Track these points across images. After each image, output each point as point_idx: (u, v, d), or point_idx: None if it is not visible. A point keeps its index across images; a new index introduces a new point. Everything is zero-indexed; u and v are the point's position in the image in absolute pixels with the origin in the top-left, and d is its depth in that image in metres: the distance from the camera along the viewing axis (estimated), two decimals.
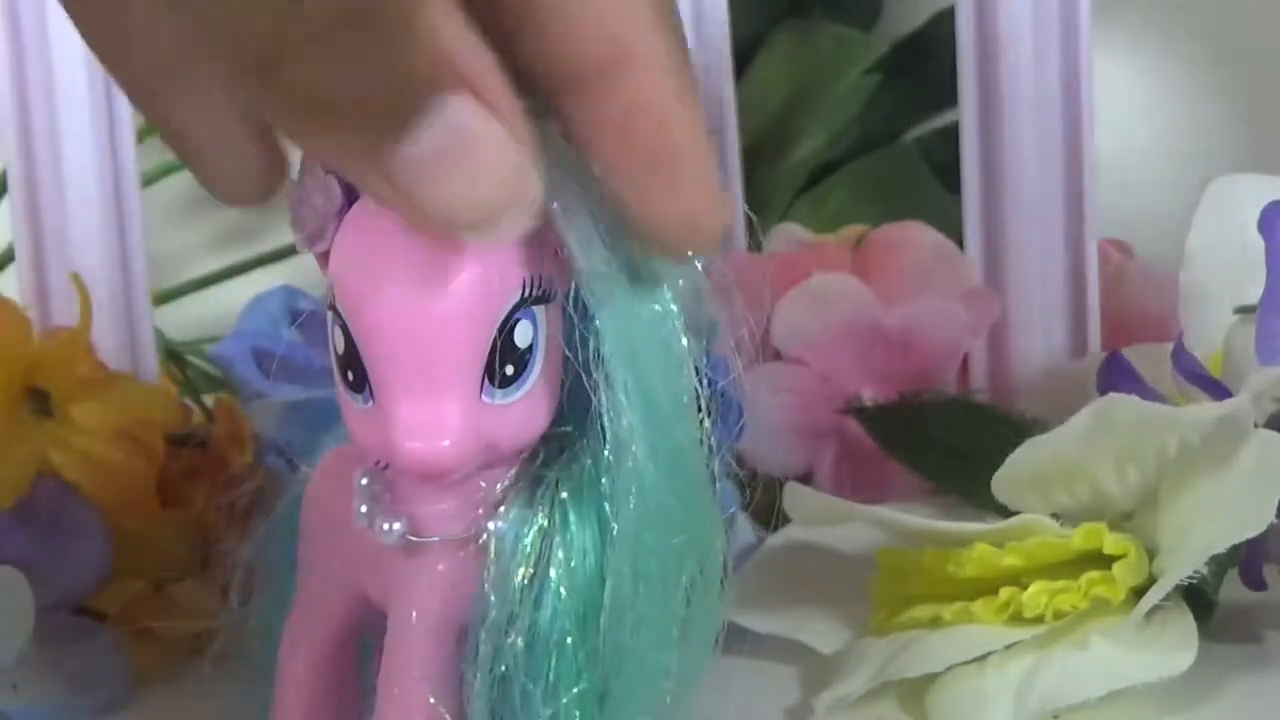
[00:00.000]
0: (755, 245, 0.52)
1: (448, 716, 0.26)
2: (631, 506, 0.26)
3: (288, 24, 0.21)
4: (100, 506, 0.40)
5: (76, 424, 0.42)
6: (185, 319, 0.64)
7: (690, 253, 0.26)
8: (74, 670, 0.38)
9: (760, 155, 0.61)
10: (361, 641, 0.30)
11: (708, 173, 0.25)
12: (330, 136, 0.22)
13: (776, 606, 0.38)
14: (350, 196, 0.26)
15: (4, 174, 0.55)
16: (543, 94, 0.25)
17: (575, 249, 0.25)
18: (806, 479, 0.45)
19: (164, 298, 0.64)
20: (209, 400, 0.52)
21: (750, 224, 0.49)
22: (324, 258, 0.26)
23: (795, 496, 0.38)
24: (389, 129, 0.22)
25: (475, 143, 0.22)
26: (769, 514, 0.36)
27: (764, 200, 0.62)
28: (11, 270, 0.55)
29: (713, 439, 0.27)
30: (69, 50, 0.51)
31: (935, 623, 0.35)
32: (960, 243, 0.49)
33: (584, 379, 0.26)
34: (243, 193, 0.27)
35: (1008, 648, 0.34)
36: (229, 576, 0.32)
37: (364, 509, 0.27)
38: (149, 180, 0.59)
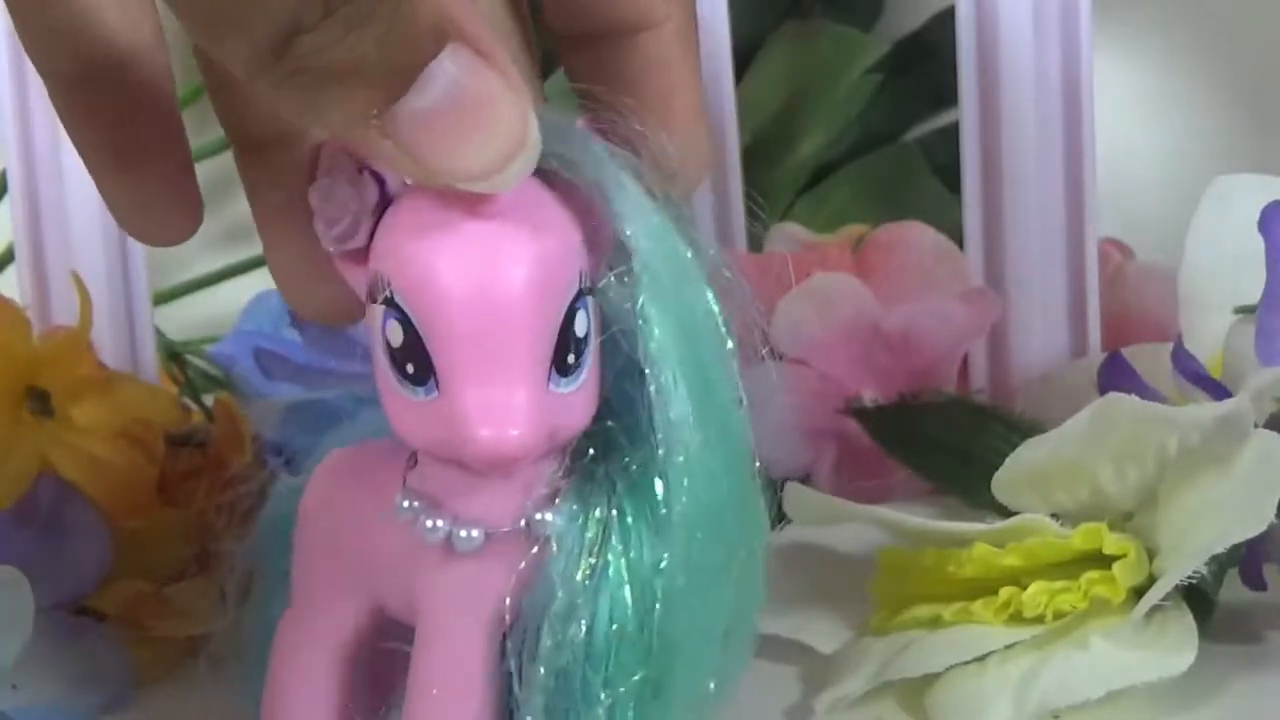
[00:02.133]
0: (755, 245, 0.53)
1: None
2: (684, 500, 0.26)
3: (307, 0, 0.21)
4: (100, 506, 0.40)
5: (76, 424, 0.42)
6: (185, 319, 0.65)
7: (684, 180, 0.29)
8: (74, 670, 0.38)
9: (760, 155, 0.62)
10: (362, 651, 0.30)
11: (701, 119, 0.29)
12: (337, 106, 0.23)
13: (777, 606, 0.38)
14: (384, 192, 0.26)
15: (4, 174, 0.55)
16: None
17: (630, 227, 0.25)
18: (806, 479, 0.45)
19: (164, 298, 0.64)
20: (209, 400, 0.52)
21: (757, 216, 0.49)
22: (351, 256, 0.26)
23: (795, 496, 0.38)
24: (394, 89, 0.22)
25: (476, 93, 0.23)
26: (769, 514, 0.36)
27: (764, 200, 0.62)
28: (11, 270, 0.55)
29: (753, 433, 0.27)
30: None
31: (935, 623, 0.35)
32: (960, 243, 0.49)
33: (632, 372, 0.26)
34: (158, 235, 0.31)
35: (1008, 648, 0.34)
36: (228, 577, 0.32)
37: (430, 524, 0.26)
38: None
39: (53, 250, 0.53)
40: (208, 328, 0.63)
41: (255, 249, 0.65)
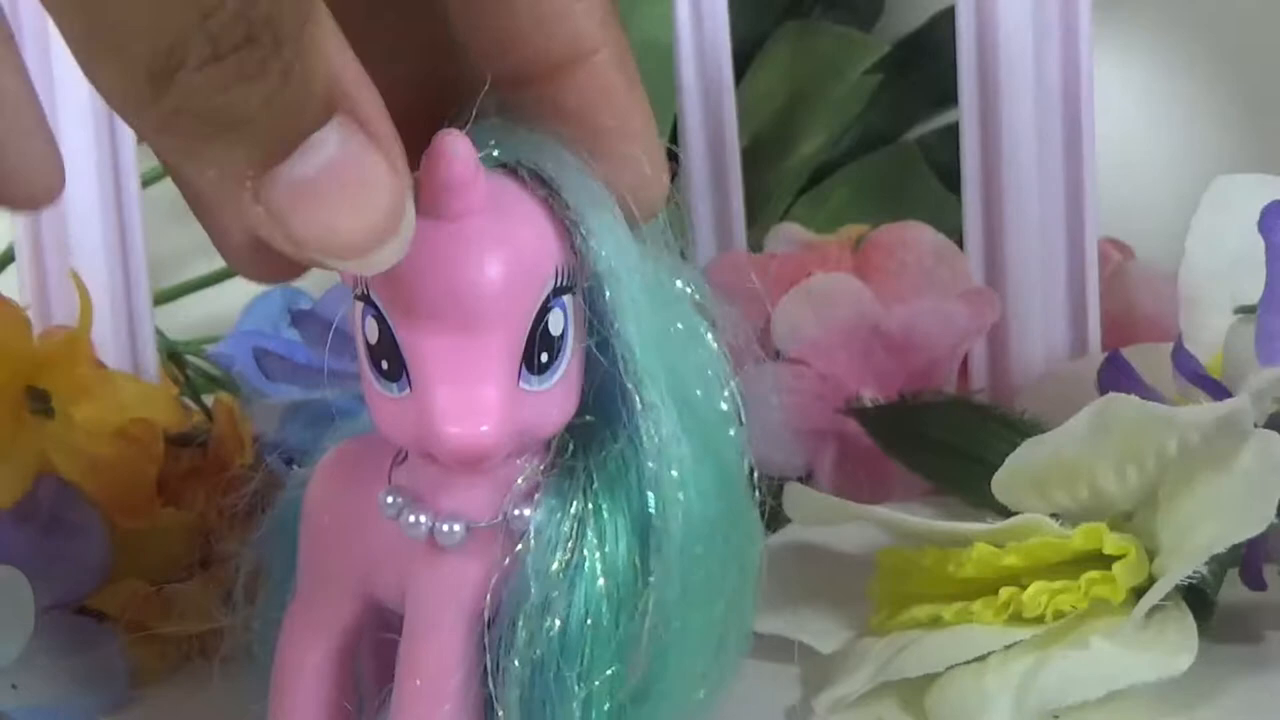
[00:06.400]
0: (755, 245, 0.53)
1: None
2: (680, 517, 0.26)
3: (193, 33, 0.20)
4: (100, 506, 0.40)
5: (76, 424, 0.42)
6: (185, 319, 0.65)
7: (642, 214, 0.27)
8: (74, 670, 0.38)
9: (760, 155, 0.62)
10: (359, 642, 0.30)
11: (655, 147, 0.27)
12: (215, 159, 0.22)
13: (776, 606, 0.38)
14: None
15: None
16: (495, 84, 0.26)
17: (603, 248, 0.26)
18: (806, 479, 0.45)
19: (164, 298, 0.64)
20: (209, 400, 0.52)
21: (747, 224, 0.49)
22: None
23: (795, 496, 0.38)
24: (276, 152, 0.22)
25: (357, 169, 0.22)
26: (769, 514, 0.36)
27: (764, 200, 0.62)
28: (11, 270, 0.55)
29: (746, 440, 0.28)
30: (69, 51, 0.51)
31: (935, 623, 0.35)
32: (960, 243, 0.49)
33: (614, 374, 0.26)
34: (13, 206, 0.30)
35: (1008, 648, 0.34)
36: (230, 577, 0.32)
37: (413, 519, 0.26)
38: (149, 180, 0.59)
39: (53, 250, 0.53)
40: (208, 328, 0.64)
41: None
